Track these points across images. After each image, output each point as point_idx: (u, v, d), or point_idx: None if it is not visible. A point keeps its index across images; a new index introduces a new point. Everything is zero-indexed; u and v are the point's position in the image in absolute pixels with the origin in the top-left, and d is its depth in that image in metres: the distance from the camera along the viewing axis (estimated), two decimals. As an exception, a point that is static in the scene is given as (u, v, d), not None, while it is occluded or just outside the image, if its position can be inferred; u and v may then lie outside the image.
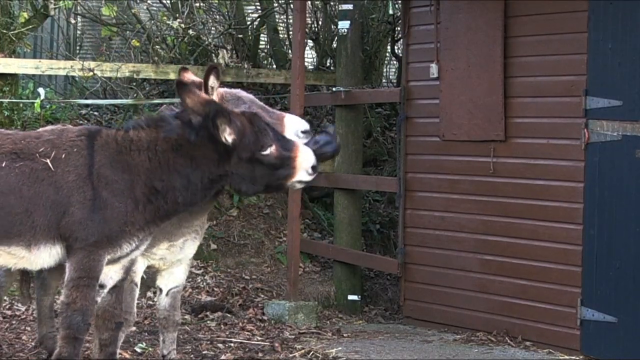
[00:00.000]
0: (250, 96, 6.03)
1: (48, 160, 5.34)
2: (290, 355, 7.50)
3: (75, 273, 5.32)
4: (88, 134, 5.45)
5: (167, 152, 5.39)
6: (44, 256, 5.40)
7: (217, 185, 5.47)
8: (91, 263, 5.31)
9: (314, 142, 5.74)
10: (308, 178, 5.48)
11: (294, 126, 5.70)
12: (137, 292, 6.24)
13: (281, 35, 12.28)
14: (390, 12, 10.85)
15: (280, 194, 10.65)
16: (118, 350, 5.84)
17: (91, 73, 9.88)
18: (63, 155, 5.36)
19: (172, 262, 6.25)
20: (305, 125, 5.59)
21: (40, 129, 5.75)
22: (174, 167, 5.37)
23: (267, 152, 5.38)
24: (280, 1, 11.98)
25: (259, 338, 8.01)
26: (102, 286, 5.54)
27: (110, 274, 5.56)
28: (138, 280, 6.19)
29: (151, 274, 6.45)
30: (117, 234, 5.33)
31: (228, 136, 5.33)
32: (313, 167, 5.45)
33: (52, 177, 5.33)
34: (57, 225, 5.32)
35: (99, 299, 5.54)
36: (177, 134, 5.39)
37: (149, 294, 8.59)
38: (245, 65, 10.71)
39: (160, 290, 6.39)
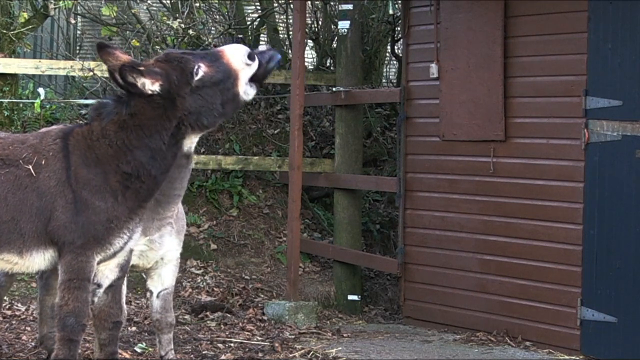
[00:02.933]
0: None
1: (30, 167, 5.34)
2: (290, 355, 7.50)
3: (65, 275, 5.32)
4: (63, 136, 5.45)
5: (118, 134, 5.36)
6: (38, 261, 5.40)
7: (180, 136, 5.41)
8: (80, 265, 5.30)
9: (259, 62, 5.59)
10: (252, 69, 5.36)
11: (237, 54, 5.46)
12: (125, 289, 6.24)
13: (281, 35, 12.28)
14: (390, 12, 10.84)
15: (280, 195, 10.66)
16: (118, 350, 5.84)
17: (91, 73, 9.88)
18: (43, 161, 5.36)
19: (155, 259, 6.25)
20: (246, 49, 5.42)
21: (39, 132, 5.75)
22: (131, 144, 5.34)
23: (201, 73, 5.31)
24: (280, 1, 11.98)
25: (259, 338, 8.01)
26: (98, 285, 5.54)
27: (106, 273, 5.56)
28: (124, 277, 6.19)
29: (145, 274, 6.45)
30: (103, 233, 5.31)
31: (152, 86, 5.29)
32: (249, 56, 5.35)
33: (34, 183, 5.33)
34: (45, 230, 5.31)
35: (95, 299, 5.54)
36: (115, 113, 5.38)
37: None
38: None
39: (151, 292, 6.40)
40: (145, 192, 5.40)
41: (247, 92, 5.43)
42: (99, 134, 5.39)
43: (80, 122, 10.45)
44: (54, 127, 6.06)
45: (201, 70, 5.31)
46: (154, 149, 5.35)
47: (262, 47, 5.62)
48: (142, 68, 5.29)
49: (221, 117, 5.50)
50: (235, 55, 5.37)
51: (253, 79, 5.42)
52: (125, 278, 6.25)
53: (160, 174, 5.41)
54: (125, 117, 5.35)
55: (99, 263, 5.43)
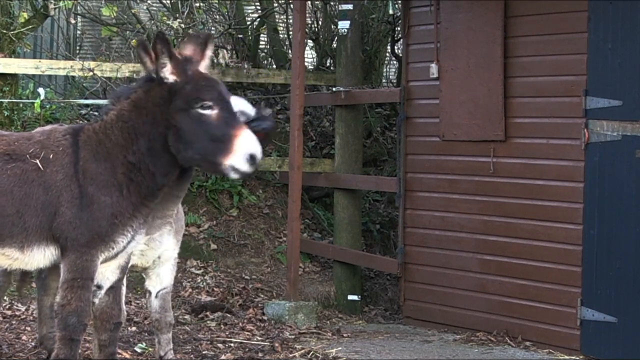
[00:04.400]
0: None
1: (37, 161, 5.35)
2: (290, 355, 7.50)
3: (69, 274, 5.31)
4: (72, 132, 5.48)
5: (131, 114, 5.38)
6: (38, 257, 5.40)
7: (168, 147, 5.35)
8: (84, 264, 5.30)
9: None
10: (244, 167, 5.23)
11: (243, 150, 5.40)
12: (124, 289, 6.25)
13: (281, 35, 12.28)
14: (390, 12, 10.84)
15: (280, 195, 10.66)
16: (118, 350, 5.84)
17: (91, 73, 9.88)
18: (51, 156, 5.38)
19: (154, 259, 6.26)
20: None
21: (35, 130, 5.78)
22: (138, 129, 5.34)
23: (206, 112, 5.23)
24: (280, 1, 11.98)
25: (259, 338, 8.01)
26: (99, 287, 5.54)
27: (107, 275, 5.56)
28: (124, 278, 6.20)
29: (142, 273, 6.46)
30: (107, 229, 5.31)
31: (168, 73, 5.28)
32: (252, 156, 5.22)
33: (41, 177, 5.34)
34: (49, 226, 5.32)
35: (96, 300, 5.54)
36: (134, 91, 5.42)
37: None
38: (245, 65, 10.71)
39: (150, 292, 6.40)
40: (145, 189, 5.39)
41: (229, 172, 5.28)
42: (113, 119, 5.41)
43: (81, 122, 10.46)
44: (53, 125, 6.07)
45: (210, 111, 5.26)
46: (152, 140, 5.33)
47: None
48: (176, 54, 5.29)
49: (198, 166, 5.44)
50: (244, 144, 5.23)
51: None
52: (125, 278, 6.27)
53: (160, 175, 5.39)
54: (140, 95, 5.37)
55: (101, 263, 5.43)
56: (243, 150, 5.22)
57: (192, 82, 5.29)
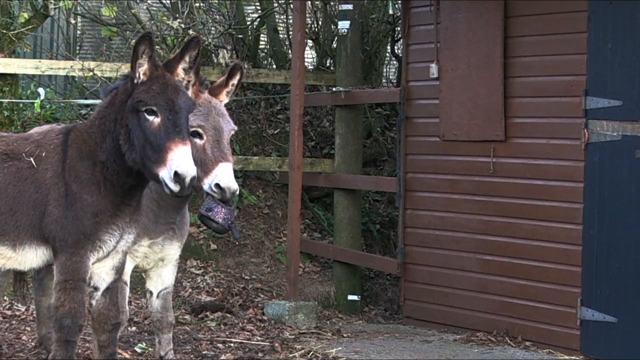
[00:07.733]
0: (222, 113, 5.86)
1: (31, 159, 5.37)
2: (290, 355, 7.50)
3: (61, 276, 5.32)
4: (65, 131, 5.50)
5: (106, 111, 5.36)
6: (30, 257, 5.41)
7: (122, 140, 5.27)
8: (75, 265, 5.30)
9: (208, 208, 5.66)
10: (171, 184, 5.07)
11: (218, 175, 5.54)
12: (128, 290, 6.27)
13: (281, 35, 12.28)
14: (390, 12, 10.85)
15: (280, 195, 10.66)
16: (118, 350, 5.84)
17: (91, 73, 9.88)
18: (44, 154, 5.40)
19: (156, 261, 6.28)
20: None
21: (33, 130, 5.80)
22: (108, 127, 5.31)
23: (149, 117, 5.14)
24: (280, 1, 11.98)
25: (259, 338, 8.01)
26: (96, 288, 5.53)
27: (102, 276, 5.56)
28: (127, 279, 6.22)
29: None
30: (91, 228, 5.31)
31: (141, 72, 5.20)
32: (177, 174, 5.04)
33: (33, 175, 5.37)
34: (40, 225, 5.33)
35: (93, 302, 5.54)
36: (115, 87, 5.40)
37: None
38: (245, 65, 10.70)
39: (151, 293, 6.42)
40: (119, 187, 5.36)
41: (165, 184, 5.14)
42: (96, 116, 5.43)
43: (80, 122, 10.46)
44: (51, 125, 6.09)
45: (153, 118, 5.15)
46: (115, 138, 5.30)
47: (222, 212, 5.67)
48: (154, 57, 5.20)
49: (140, 169, 5.24)
50: (173, 161, 5.07)
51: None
52: (129, 280, 6.28)
53: (124, 174, 5.33)
54: (115, 92, 5.36)
55: (93, 263, 5.42)
56: (171, 166, 5.06)
57: (147, 84, 5.21)
